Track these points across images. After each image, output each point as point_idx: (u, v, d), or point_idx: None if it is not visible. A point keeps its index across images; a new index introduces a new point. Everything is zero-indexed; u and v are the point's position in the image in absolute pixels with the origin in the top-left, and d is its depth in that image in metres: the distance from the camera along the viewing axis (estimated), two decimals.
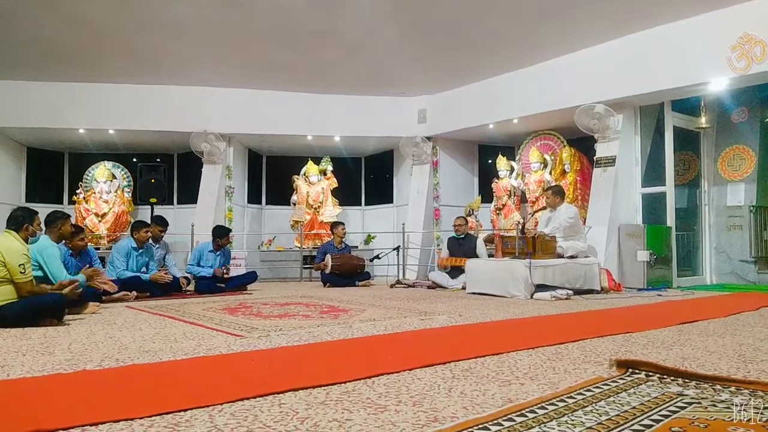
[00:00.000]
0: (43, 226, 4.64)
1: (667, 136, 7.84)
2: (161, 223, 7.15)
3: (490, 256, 7.76)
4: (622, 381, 2.12)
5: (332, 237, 8.64)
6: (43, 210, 5.01)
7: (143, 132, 9.57)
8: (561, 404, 1.81)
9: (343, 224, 8.70)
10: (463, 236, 7.81)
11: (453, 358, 2.57)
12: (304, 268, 9.61)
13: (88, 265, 5.42)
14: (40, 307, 3.95)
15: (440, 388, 2.07)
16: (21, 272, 3.88)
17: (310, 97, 9.77)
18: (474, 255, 7.45)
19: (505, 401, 1.88)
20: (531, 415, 1.68)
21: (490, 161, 10.45)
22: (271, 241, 10.68)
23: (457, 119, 9.58)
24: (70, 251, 5.52)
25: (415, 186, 10.22)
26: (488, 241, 8.49)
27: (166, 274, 6.64)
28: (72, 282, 4.43)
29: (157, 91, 9.31)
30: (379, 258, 8.82)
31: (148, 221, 7.26)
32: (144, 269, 6.49)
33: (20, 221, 4.12)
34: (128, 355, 2.80)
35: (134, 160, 10.69)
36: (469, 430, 1.56)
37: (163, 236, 7.14)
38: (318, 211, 10.38)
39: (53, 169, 10.67)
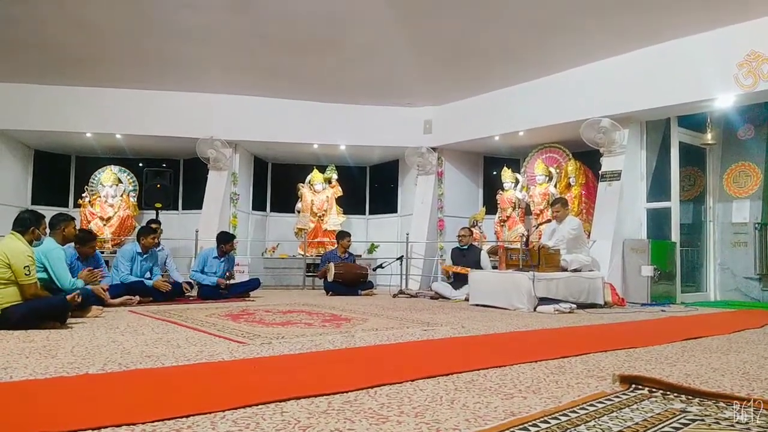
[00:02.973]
0: (47, 228, 4.66)
1: (672, 152, 7.84)
2: (148, 231, 6.64)
3: (494, 267, 7.74)
4: (625, 396, 2.11)
5: (336, 246, 8.63)
6: (49, 212, 5.04)
7: (150, 137, 9.62)
8: (564, 418, 1.80)
9: (349, 235, 8.65)
10: (466, 247, 7.80)
11: (455, 370, 2.56)
12: (307, 275, 9.61)
13: (93, 268, 5.37)
14: (43, 309, 3.97)
15: (442, 399, 2.06)
16: (26, 274, 3.89)
17: (317, 105, 9.82)
18: (477, 266, 7.44)
19: (507, 414, 1.88)
20: (533, 429, 1.68)
21: (495, 173, 10.46)
22: (275, 248, 10.69)
23: (463, 130, 9.60)
24: (77, 255, 5.53)
25: (420, 196, 10.22)
26: (492, 252, 8.47)
27: (167, 280, 6.63)
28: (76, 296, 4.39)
29: (164, 97, 9.36)
30: (383, 267, 8.81)
31: (153, 227, 7.22)
32: (148, 274, 6.50)
33: (28, 224, 4.13)
34: (131, 359, 2.80)
35: (140, 164, 10.73)
36: None
37: (156, 242, 6.75)
38: (322, 220, 10.39)
39: (60, 172, 10.71)
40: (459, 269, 7.55)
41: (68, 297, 4.17)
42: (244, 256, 9.77)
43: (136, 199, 10.32)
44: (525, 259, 6.34)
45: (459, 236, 7.87)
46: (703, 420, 1.82)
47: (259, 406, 1.90)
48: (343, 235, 8.58)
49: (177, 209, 10.90)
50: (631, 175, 7.84)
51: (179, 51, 7.65)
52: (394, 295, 7.91)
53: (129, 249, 6.52)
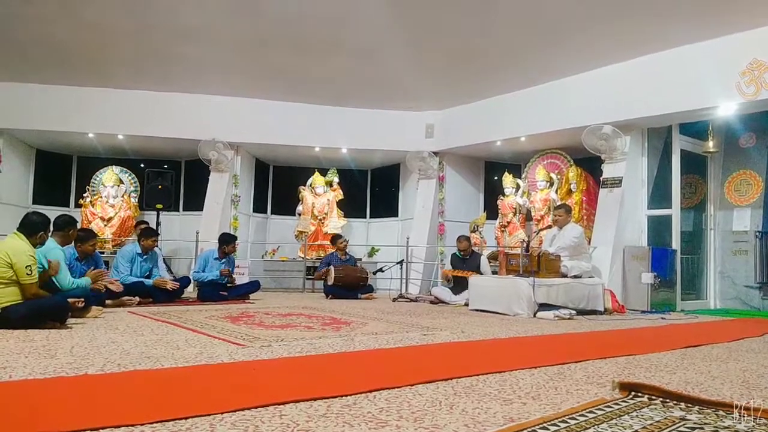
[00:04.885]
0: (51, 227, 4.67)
1: (674, 159, 7.84)
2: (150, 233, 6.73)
3: (494, 273, 7.73)
4: (624, 404, 2.11)
5: (335, 249, 8.65)
6: (50, 212, 5.04)
7: (152, 138, 9.62)
8: (563, 425, 1.80)
9: (341, 236, 8.72)
10: (468, 256, 7.79)
11: (455, 375, 2.56)
12: (307, 278, 9.61)
13: (93, 268, 5.39)
14: (44, 309, 3.97)
15: (441, 404, 2.06)
16: (27, 274, 3.90)
17: (319, 108, 9.82)
18: (478, 272, 7.43)
19: (506, 420, 1.87)
20: None
21: (496, 178, 10.47)
22: (275, 250, 10.69)
23: (465, 135, 9.61)
24: (76, 255, 5.53)
25: (421, 200, 10.22)
26: (492, 258, 8.47)
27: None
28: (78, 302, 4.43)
29: (166, 98, 9.37)
30: (383, 271, 8.80)
31: (155, 227, 7.19)
32: (147, 275, 6.50)
33: (39, 229, 4.14)
34: (130, 360, 2.80)
35: (142, 165, 10.73)
36: None
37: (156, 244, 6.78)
38: (323, 222, 10.40)
39: (61, 172, 10.71)
40: (459, 273, 7.53)
41: (71, 301, 4.18)
42: (244, 258, 9.76)
43: (137, 200, 10.32)
44: (525, 264, 6.33)
45: (461, 250, 7.81)
46: (702, 428, 1.81)
47: (258, 409, 1.90)
48: (336, 239, 8.68)
49: (178, 210, 10.90)
50: (632, 182, 7.84)
51: (182, 52, 7.67)
52: (394, 299, 7.90)
53: (129, 250, 6.52)
